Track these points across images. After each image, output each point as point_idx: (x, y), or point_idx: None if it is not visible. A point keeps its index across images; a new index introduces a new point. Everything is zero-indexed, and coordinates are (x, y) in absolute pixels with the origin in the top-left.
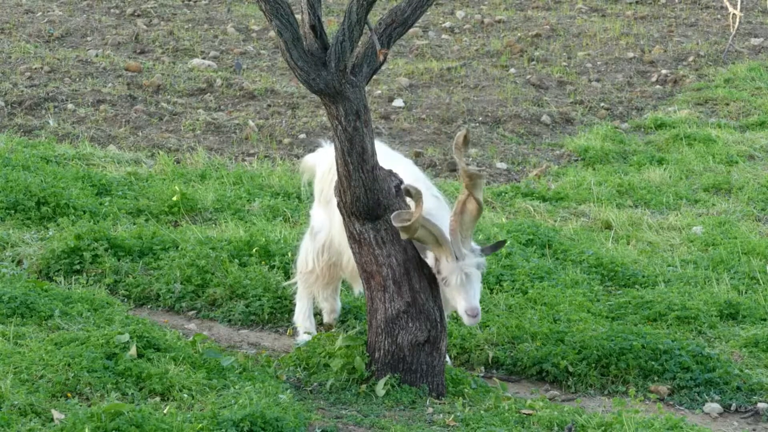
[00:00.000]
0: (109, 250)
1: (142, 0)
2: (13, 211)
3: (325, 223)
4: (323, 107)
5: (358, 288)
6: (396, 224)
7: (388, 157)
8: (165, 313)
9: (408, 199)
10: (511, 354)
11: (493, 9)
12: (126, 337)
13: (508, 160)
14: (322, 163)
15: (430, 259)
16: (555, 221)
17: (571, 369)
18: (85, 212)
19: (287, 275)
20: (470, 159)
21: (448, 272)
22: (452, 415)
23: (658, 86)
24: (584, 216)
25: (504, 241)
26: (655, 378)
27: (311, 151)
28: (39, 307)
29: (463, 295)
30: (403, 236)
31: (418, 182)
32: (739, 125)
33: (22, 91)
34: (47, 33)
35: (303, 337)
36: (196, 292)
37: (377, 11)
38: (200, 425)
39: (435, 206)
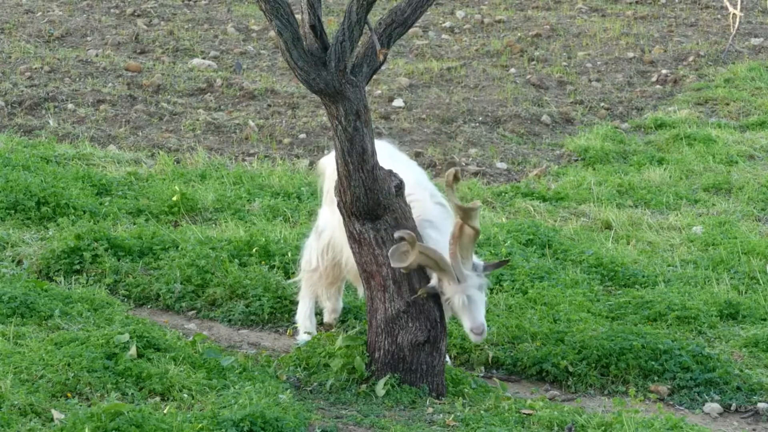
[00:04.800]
0: (109, 250)
1: (142, 0)
2: (13, 211)
3: (330, 222)
4: (323, 107)
5: (362, 290)
6: (393, 264)
7: (395, 161)
8: (165, 313)
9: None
10: (511, 354)
11: (493, 9)
12: (126, 337)
13: (508, 160)
14: (330, 164)
15: (433, 280)
16: (555, 221)
17: (571, 369)
18: (85, 212)
19: (287, 275)
20: (470, 158)
21: (450, 294)
22: (452, 415)
23: (658, 86)
24: (584, 216)
25: (507, 260)
26: (655, 378)
27: (311, 151)
28: (39, 307)
29: (467, 314)
30: (403, 269)
31: (424, 188)
32: (739, 125)
33: (22, 91)
34: (47, 33)
35: (303, 337)
36: (196, 292)
37: (377, 11)
38: (200, 425)
39: (440, 214)
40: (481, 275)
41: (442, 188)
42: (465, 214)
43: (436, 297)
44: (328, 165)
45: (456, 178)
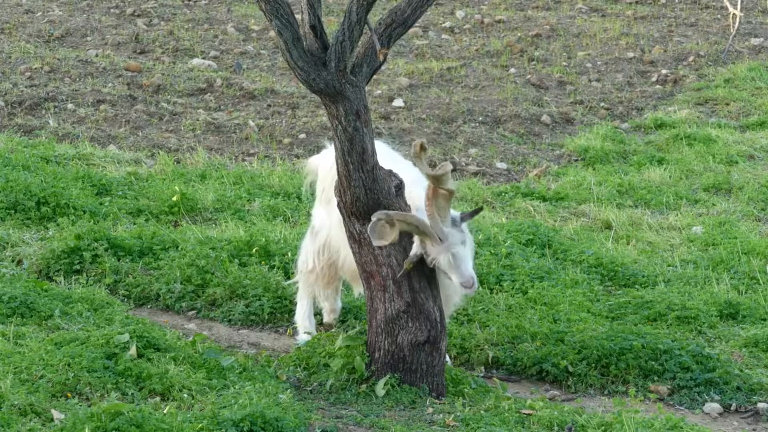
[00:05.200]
0: (109, 250)
1: (142, 0)
2: (13, 211)
3: (326, 222)
4: (323, 107)
5: (358, 290)
6: (375, 243)
7: (388, 157)
8: (165, 313)
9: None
10: (511, 354)
11: (493, 9)
12: (126, 337)
13: (508, 160)
14: (324, 163)
15: (416, 246)
16: (555, 221)
17: (571, 369)
18: (85, 212)
19: (287, 275)
20: (470, 158)
21: (435, 255)
22: (452, 415)
23: (658, 86)
24: (584, 216)
25: (481, 208)
26: (655, 378)
27: (311, 151)
28: (39, 307)
29: (455, 271)
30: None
31: (416, 183)
32: (739, 125)
33: (22, 91)
34: (47, 33)
35: (303, 337)
36: (196, 292)
37: (377, 11)
38: (200, 425)
39: None
40: (462, 230)
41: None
42: (437, 179)
43: (436, 296)
44: (321, 164)
45: (423, 148)
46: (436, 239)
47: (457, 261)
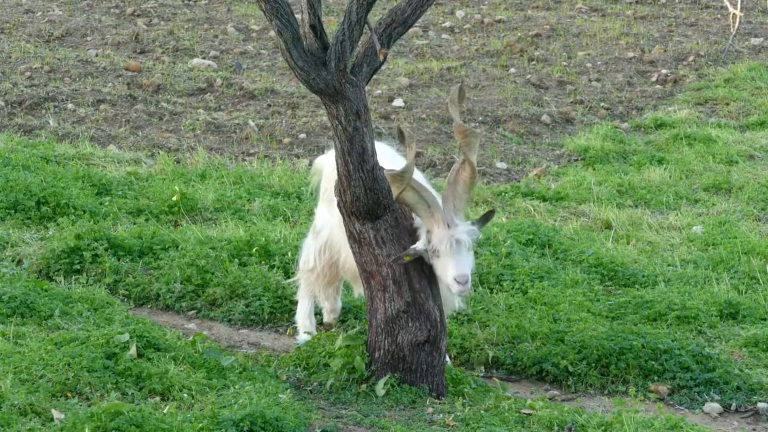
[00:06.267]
0: (109, 250)
1: (142, 0)
2: (13, 211)
3: (328, 221)
4: (323, 107)
5: (359, 290)
6: (388, 174)
7: (389, 158)
8: (165, 313)
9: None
10: (511, 354)
11: (493, 9)
12: (126, 337)
13: (508, 160)
14: (328, 163)
15: (422, 236)
16: (555, 221)
17: (571, 369)
18: (85, 212)
19: (287, 275)
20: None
21: (438, 240)
22: (452, 415)
23: (658, 86)
24: (584, 216)
25: (493, 211)
26: (655, 378)
27: (311, 150)
28: (39, 306)
29: (452, 263)
30: (395, 192)
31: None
32: (739, 125)
33: (22, 91)
34: (47, 33)
35: (303, 337)
36: (196, 292)
37: (377, 11)
38: (200, 425)
39: None
40: (473, 227)
41: (442, 188)
42: (464, 137)
43: (436, 295)
44: (326, 164)
45: (462, 94)
46: (444, 223)
47: (458, 253)
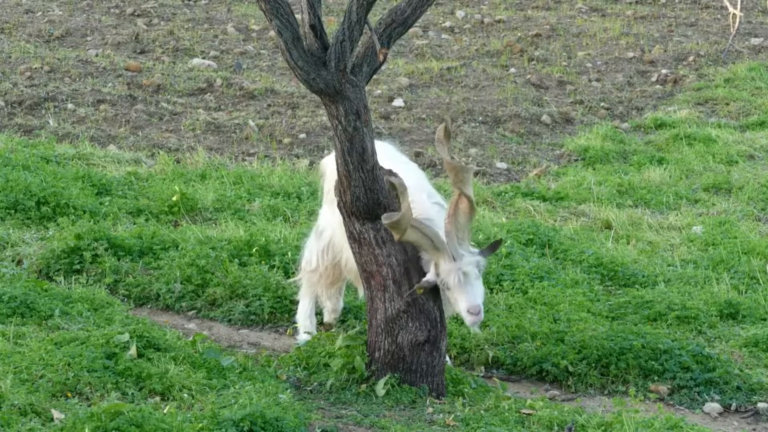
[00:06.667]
0: (109, 250)
1: (142, 0)
2: (13, 211)
3: (330, 222)
4: (323, 107)
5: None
6: (386, 223)
7: (395, 160)
8: (165, 313)
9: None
10: (511, 354)
11: (493, 9)
12: (126, 337)
13: (508, 160)
14: (331, 164)
15: (431, 269)
16: (555, 221)
17: (571, 369)
18: (85, 212)
19: (287, 275)
20: (470, 158)
21: (446, 273)
22: (452, 415)
23: (658, 86)
24: (584, 216)
25: (501, 240)
26: (655, 378)
27: (311, 151)
28: (39, 306)
29: (463, 295)
30: (396, 237)
31: (422, 190)
32: (739, 125)
33: (22, 91)
34: (47, 33)
35: (303, 337)
36: (196, 292)
37: (377, 11)
38: (200, 425)
39: (438, 213)
40: (480, 257)
41: (442, 189)
42: (456, 174)
43: (436, 295)
44: (329, 165)
45: (447, 133)
46: (450, 257)
47: (467, 284)
